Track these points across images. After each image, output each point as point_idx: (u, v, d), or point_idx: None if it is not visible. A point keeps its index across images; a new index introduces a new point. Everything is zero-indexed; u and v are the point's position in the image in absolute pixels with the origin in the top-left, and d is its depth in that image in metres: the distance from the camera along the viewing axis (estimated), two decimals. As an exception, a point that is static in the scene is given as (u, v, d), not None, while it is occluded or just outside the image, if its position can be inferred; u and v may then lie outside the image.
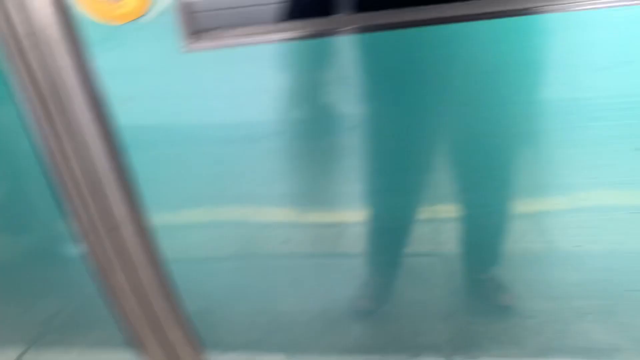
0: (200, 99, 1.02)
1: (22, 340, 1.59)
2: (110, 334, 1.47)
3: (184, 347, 1.43)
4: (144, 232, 1.21)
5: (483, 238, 1.18)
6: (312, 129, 1.04)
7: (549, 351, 1.31)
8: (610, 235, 1.11)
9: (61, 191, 1.15)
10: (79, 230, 1.22)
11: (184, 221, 1.21)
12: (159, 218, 1.21)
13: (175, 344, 1.42)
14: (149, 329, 1.39)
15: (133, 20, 0.93)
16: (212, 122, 1.05)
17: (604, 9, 0.84)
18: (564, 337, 1.29)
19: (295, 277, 1.31)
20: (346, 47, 0.93)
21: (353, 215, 1.16)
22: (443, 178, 1.09)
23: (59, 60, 0.98)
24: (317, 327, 1.40)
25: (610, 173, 1.02)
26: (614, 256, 1.13)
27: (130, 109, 1.06)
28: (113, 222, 1.18)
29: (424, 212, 1.14)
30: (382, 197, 1.13)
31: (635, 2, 0.83)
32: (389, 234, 1.20)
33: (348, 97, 0.98)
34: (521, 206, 1.10)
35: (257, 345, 1.46)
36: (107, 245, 1.23)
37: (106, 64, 1.01)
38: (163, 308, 1.34)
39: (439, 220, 1.15)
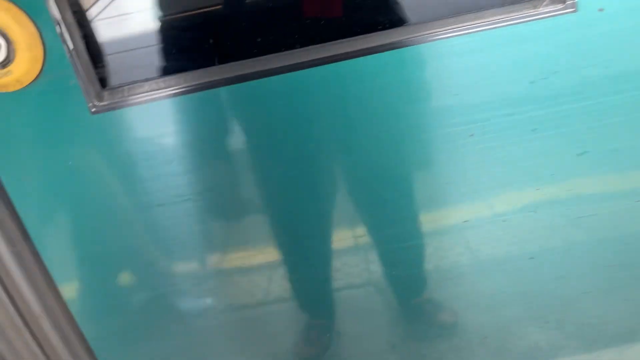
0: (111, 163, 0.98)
1: None
2: None
3: None
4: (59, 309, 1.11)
5: (408, 263, 1.19)
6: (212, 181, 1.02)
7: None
8: (541, 239, 1.14)
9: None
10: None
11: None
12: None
13: None
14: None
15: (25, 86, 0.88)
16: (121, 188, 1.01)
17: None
18: (509, 344, 1.30)
19: (228, 333, 1.25)
20: (228, 98, 0.93)
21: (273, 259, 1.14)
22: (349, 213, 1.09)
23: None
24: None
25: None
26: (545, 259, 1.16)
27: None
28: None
29: (343, 244, 1.13)
30: (294, 242, 1.12)
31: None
32: (314, 275, 1.18)
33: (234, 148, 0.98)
34: (439, 221, 1.12)
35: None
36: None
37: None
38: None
39: (362, 250, 1.15)
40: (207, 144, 0.97)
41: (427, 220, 1.11)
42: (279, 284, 1.17)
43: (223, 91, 0.91)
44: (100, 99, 0.88)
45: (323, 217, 1.09)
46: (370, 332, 1.29)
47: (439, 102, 0.95)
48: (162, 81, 0.89)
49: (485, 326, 1.29)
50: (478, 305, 1.24)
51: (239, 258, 1.12)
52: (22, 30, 0.81)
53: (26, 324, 1.08)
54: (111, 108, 0.89)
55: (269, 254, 1.13)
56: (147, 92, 0.88)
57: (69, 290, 1.10)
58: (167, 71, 0.91)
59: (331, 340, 1.29)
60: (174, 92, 0.89)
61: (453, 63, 0.91)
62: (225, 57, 0.90)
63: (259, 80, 0.89)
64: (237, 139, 0.97)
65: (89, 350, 1.16)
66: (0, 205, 0.97)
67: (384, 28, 0.89)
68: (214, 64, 0.91)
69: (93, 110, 0.88)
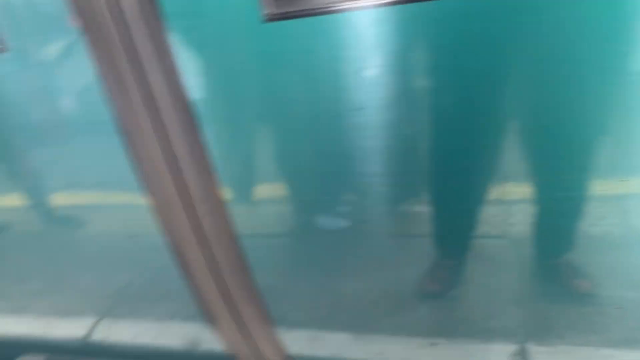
0: (278, 72, 1.00)
1: (95, 311, 1.66)
2: (182, 306, 1.51)
3: (255, 322, 1.45)
4: (219, 208, 1.21)
5: (558, 220, 1.13)
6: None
7: (634, 342, 1.24)
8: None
9: (136, 166, 1.17)
10: (154, 206, 1.25)
11: (257, 197, 1.22)
12: (233, 193, 1.21)
13: (247, 319, 1.44)
14: (221, 303, 1.41)
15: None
16: (288, 96, 1.04)
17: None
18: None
19: (363, 256, 1.29)
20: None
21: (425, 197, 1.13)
22: (513, 158, 1.04)
23: (136, 33, 0.99)
24: (385, 307, 1.39)
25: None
26: None
27: (206, 82, 1.06)
28: (188, 198, 1.19)
29: (494, 193, 1.09)
30: (451, 178, 1.09)
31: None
32: (459, 216, 1.17)
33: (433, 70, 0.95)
34: (601, 188, 1.04)
35: (324, 323, 1.46)
36: (182, 220, 1.24)
37: (184, 36, 1.00)
38: (235, 283, 1.35)
39: (510, 202, 1.10)
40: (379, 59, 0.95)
41: (594, 184, 1.04)
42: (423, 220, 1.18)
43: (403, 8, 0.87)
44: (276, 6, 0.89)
45: (492, 156, 1.05)
46: (499, 283, 1.27)
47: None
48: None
49: (624, 301, 1.21)
50: (619, 279, 1.16)
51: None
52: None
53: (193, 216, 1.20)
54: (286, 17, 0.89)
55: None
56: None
57: (228, 191, 1.19)
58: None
59: (457, 282, 1.29)
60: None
61: None
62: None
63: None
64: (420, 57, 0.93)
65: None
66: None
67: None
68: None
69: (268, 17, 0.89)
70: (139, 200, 1.26)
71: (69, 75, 1.14)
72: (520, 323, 1.32)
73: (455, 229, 1.21)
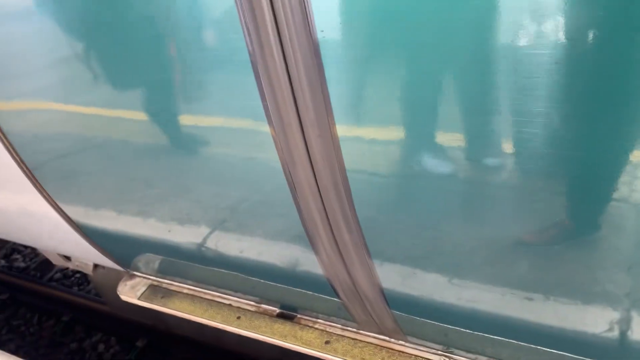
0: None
1: (209, 222, 1.81)
2: (287, 227, 1.61)
3: (352, 251, 1.52)
4: (330, 138, 1.26)
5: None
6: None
7: None
8: None
9: (258, 83, 1.25)
10: (270, 130, 1.33)
11: (366, 132, 1.24)
12: (344, 125, 1.25)
13: (344, 247, 1.52)
14: (323, 227, 1.49)
15: None
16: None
17: None
18: None
19: (466, 203, 1.29)
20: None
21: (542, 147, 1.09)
22: None
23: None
24: (484, 256, 1.38)
25: None
26: None
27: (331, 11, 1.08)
28: (301, 122, 1.26)
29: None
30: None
31: None
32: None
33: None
34: None
35: (419, 263, 1.49)
36: (294, 144, 1.32)
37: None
38: (336, 209, 1.42)
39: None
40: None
41: None
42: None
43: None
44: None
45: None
46: (611, 250, 1.21)
47: None
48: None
49: None
50: None
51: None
52: None
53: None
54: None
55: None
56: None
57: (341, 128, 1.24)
58: None
59: (566, 241, 1.25)
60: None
61: None
62: None
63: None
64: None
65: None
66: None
67: None
68: None
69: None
70: (262, 127, 1.35)
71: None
72: (627, 293, 1.27)
73: (580, 187, 1.16)
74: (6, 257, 5.09)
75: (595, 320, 1.36)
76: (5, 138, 1.91)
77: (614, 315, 1.32)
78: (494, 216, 1.29)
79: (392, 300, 1.67)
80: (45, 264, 4.68)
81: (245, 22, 1.16)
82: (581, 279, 1.30)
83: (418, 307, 1.65)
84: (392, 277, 1.58)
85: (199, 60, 1.32)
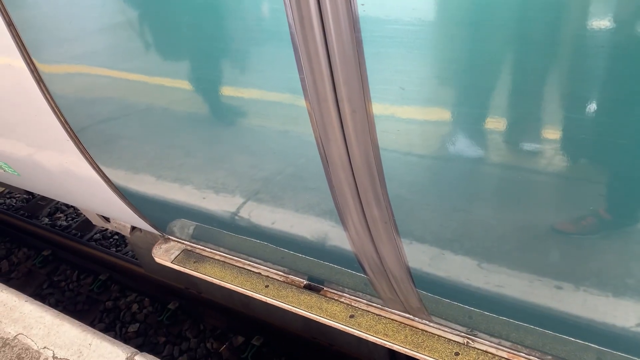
0: None
1: (244, 192, 1.84)
2: (318, 201, 1.63)
3: (381, 228, 1.53)
4: (365, 115, 1.27)
5: None
6: None
7: None
8: None
9: (297, 56, 1.26)
10: (306, 103, 1.34)
11: (402, 110, 1.24)
12: (380, 102, 1.25)
13: (373, 223, 1.53)
14: (353, 202, 1.50)
15: None
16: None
17: None
18: None
19: (500, 188, 1.28)
20: None
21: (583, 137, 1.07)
22: None
23: None
24: (514, 243, 1.37)
25: None
26: None
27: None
28: (336, 97, 1.27)
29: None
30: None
31: None
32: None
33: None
34: None
35: (447, 244, 1.49)
36: (328, 119, 1.32)
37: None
38: (367, 186, 1.43)
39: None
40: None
41: None
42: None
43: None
44: None
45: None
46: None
47: None
48: None
49: None
50: None
51: None
52: None
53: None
54: None
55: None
56: None
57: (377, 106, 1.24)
58: None
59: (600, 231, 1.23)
60: None
61: None
62: None
63: None
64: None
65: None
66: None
67: None
68: None
69: None
70: (297, 101, 1.36)
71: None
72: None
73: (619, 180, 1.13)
74: (50, 215, 5.31)
75: (626, 313, 1.34)
76: (52, 100, 1.98)
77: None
78: (526, 202, 1.27)
79: (418, 280, 1.67)
80: (86, 223, 4.86)
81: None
82: (613, 271, 1.28)
83: (444, 288, 1.65)
84: (420, 256, 1.58)
85: (240, 31, 1.34)
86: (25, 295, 2.98)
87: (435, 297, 1.73)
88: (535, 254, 1.36)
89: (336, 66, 1.22)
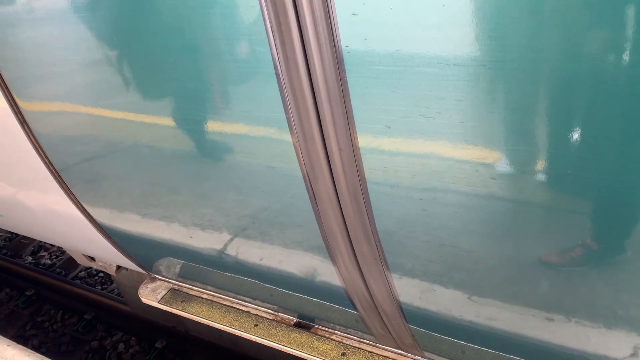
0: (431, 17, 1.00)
1: (231, 229, 1.82)
2: (307, 237, 1.61)
3: (370, 263, 1.51)
4: (351, 150, 1.27)
5: None
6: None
7: None
8: None
9: (282, 96, 1.26)
10: (292, 139, 1.33)
11: (389, 146, 1.24)
12: (366, 137, 1.25)
13: (362, 259, 1.51)
14: (342, 238, 1.49)
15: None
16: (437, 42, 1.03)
17: None
18: None
19: (490, 220, 1.27)
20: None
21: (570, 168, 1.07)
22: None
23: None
24: (504, 274, 1.36)
25: None
26: None
27: (354, 31, 1.09)
28: (323, 135, 1.27)
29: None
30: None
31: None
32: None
33: None
34: None
35: (437, 278, 1.48)
36: (315, 155, 1.32)
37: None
38: (355, 221, 1.42)
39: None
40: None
41: None
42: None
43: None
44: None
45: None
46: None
47: None
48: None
49: None
50: None
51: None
52: None
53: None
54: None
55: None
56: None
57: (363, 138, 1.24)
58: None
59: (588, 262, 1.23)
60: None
61: None
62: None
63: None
64: None
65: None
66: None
67: None
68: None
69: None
70: (283, 134, 1.35)
71: (235, 11, 1.24)
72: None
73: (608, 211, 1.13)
74: (33, 253, 5.21)
75: (619, 344, 1.33)
76: (34, 139, 1.96)
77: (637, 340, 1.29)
78: (514, 234, 1.27)
79: (409, 315, 1.65)
80: (71, 262, 4.77)
81: (272, 35, 1.17)
82: (603, 302, 1.27)
83: (436, 323, 1.64)
84: (411, 291, 1.56)
85: (226, 70, 1.34)
86: (7, 339, 2.89)
87: (428, 332, 1.71)
88: (525, 285, 1.35)
89: (321, 104, 1.23)
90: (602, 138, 0.99)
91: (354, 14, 1.06)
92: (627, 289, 1.22)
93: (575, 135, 1.01)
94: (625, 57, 0.89)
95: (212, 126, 1.51)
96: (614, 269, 1.20)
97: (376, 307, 1.69)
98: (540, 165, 1.10)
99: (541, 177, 1.12)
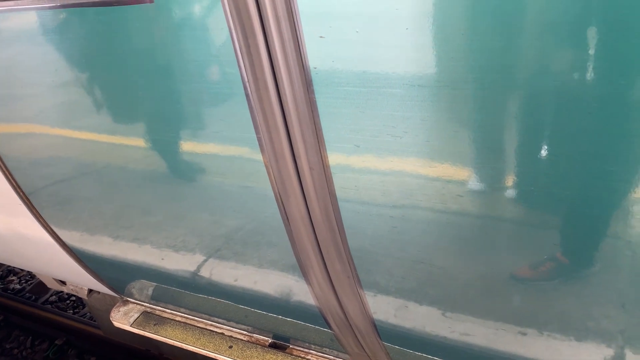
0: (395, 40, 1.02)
1: (204, 250, 1.81)
2: (281, 257, 1.61)
3: (343, 282, 1.51)
4: (322, 169, 1.27)
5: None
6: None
7: None
8: None
9: (253, 116, 1.26)
10: (263, 159, 1.34)
11: (358, 164, 1.25)
12: (336, 156, 1.26)
13: (336, 277, 1.51)
14: (315, 257, 1.49)
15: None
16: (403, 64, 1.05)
17: None
18: None
19: (460, 236, 1.29)
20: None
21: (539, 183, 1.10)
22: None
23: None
24: (476, 289, 1.38)
25: None
26: None
27: (322, 47, 1.10)
28: (293, 154, 1.27)
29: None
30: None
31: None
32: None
33: None
34: None
35: (412, 295, 1.48)
36: (286, 173, 1.33)
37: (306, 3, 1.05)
38: (328, 240, 1.42)
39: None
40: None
41: None
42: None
43: None
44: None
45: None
46: (606, 286, 1.21)
47: None
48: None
49: None
50: None
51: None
52: None
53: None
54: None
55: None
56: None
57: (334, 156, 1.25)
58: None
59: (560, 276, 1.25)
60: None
61: None
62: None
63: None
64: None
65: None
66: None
67: None
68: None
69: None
70: (254, 154, 1.36)
71: (205, 33, 1.24)
72: (622, 329, 1.26)
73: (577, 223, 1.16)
74: (1, 278, 5.06)
75: (590, 357, 1.35)
76: (2, 162, 1.93)
77: (608, 352, 1.31)
78: (487, 250, 1.29)
79: (383, 332, 1.65)
80: (41, 286, 4.63)
81: (241, 57, 1.18)
82: (575, 315, 1.29)
83: (410, 340, 1.64)
84: (384, 308, 1.57)
85: (196, 92, 1.34)
86: (-27, 369, 2.80)
87: (402, 349, 1.71)
88: (498, 300, 1.37)
89: (291, 124, 1.23)
90: (562, 155, 1.02)
91: (321, 37, 1.07)
92: (596, 301, 1.24)
93: (536, 152, 1.03)
94: (583, 76, 0.92)
95: (184, 147, 1.51)
96: (584, 282, 1.23)
97: (350, 325, 1.69)
98: (504, 181, 1.12)
99: (505, 193, 1.14)
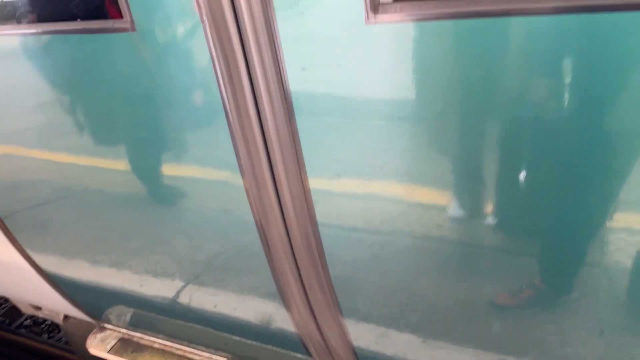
0: (375, 74, 1.03)
1: (184, 275, 1.78)
2: (261, 284, 1.59)
3: (324, 309, 1.50)
4: (303, 196, 1.27)
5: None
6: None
7: None
8: None
9: (234, 143, 1.26)
10: (244, 184, 1.33)
11: (340, 189, 1.25)
12: (317, 183, 1.26)
13: (316, 305, 1.50)
14: (295, 285, 1.48)
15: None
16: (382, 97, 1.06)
17: None
18: None
19: (440, 262, 1.29)
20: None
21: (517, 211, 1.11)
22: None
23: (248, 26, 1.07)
24: (456, 315, 1.38)
25: None
26: None
27: (304, 77, 1.11)
28: (274, 180, 1.27)
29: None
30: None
31: None
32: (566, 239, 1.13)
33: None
34: None
35: (393, 322, 1.48)
36: (267, 199, 1.32)
37: (288, 30, 1.06)
38: (308, 267, 1.41)
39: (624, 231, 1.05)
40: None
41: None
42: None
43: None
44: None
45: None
46: (586, 312, 1.21)
47: None
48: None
49: None
50: None
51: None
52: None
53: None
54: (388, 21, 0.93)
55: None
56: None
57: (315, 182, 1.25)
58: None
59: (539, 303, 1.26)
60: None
61: None
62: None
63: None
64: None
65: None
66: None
67: None
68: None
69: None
70: (236, 180, 1.35)
71: (187, 61, 1.24)
72: (600, 356, 1.26)
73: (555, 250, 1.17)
74: (-26, 302, 4.93)
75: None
76: (-23, 185, 1.89)
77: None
78: (467, 277, 1.29)
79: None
80: (15, 309, 4.53)
81: (222, 84, 1.18)
82: (554, 341, 1.30)
83: (391, 368, 1.63)
84: (365, 336, 1.56)
85: (177, 117, 1.34)
86: (-58, 397, 2.70)
87: (384, 377, 1.69)
88: (478, 327, 1.37)
89: (273, 152, 1.23)
90: (537, 184, 1.04)
91: (303, 69, 1.08)
92: (575, 327, 1.25)
93: (514, 182, 1.05)
94: (559, 109, 0.94)
95: (165, 172, 1.50)
96: (563, 309, 1.23)
97: (330, 352, 1.67)
98: (482, 210, 1.13)
99: (482, 221, 1.15)
